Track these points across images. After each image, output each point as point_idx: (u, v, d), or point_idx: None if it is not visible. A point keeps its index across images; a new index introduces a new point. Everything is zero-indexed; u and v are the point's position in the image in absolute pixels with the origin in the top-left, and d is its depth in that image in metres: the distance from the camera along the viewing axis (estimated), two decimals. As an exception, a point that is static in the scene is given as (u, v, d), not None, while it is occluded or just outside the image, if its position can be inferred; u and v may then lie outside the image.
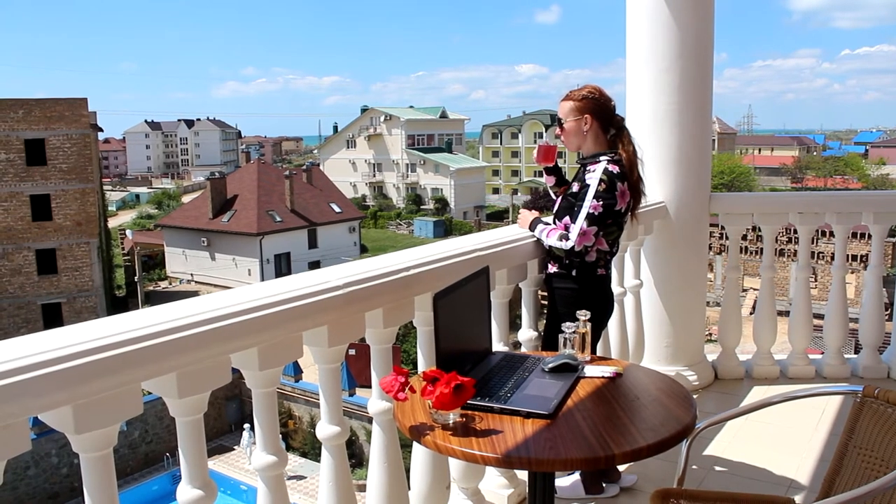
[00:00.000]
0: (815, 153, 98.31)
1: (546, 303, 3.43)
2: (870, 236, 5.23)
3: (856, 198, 5.62)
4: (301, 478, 20.17)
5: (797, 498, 2.67)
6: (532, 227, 3.27)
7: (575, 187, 3.20)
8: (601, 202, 3.11)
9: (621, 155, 3.20)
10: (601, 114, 3.22)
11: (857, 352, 5.46)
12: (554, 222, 3.27)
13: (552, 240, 3.17)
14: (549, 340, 3.28)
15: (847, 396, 2.42)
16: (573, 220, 3.14)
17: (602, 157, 3.19)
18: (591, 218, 3.10)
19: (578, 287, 3.26)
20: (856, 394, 2.32)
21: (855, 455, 2.28)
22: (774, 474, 3.03)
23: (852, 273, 31.03)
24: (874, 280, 5.11)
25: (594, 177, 3.13)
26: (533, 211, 3.37)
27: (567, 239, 3.13)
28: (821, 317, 5.42)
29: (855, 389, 2.33)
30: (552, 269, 3.30)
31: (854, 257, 31.71)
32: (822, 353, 5.25)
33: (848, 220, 4.97)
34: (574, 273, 3.25)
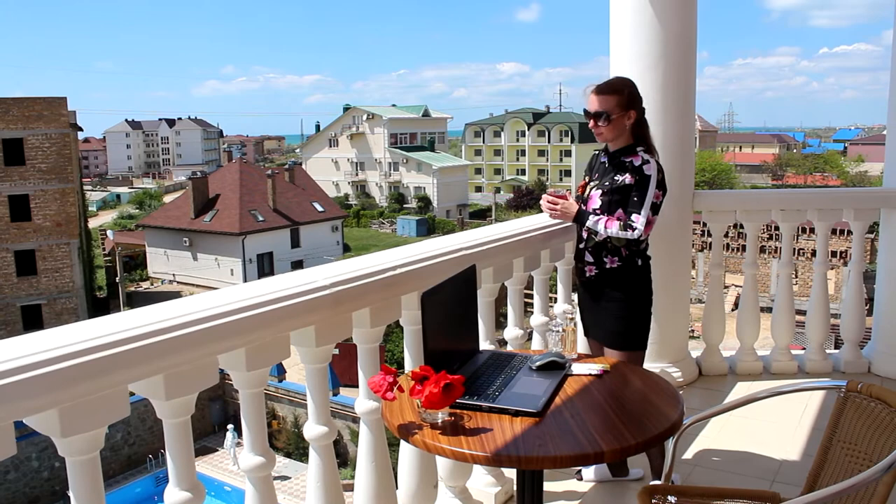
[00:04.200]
0: (795, 150, 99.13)
1: (572, 298, 3.49)
2: (849, 233, 5.28)
3: (837, 195, 5.69)
4: (285, 478, 20.11)
5: (782, 492, 2.70)
6: (580, 218, 3.18)
7: (627, 179, 3.13)
8: (661, 191, 3.16)
9: (652, 147, 3.24)
10: (641, 109, 3.22)
11: (837, 347, 5.51)
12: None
13: (613, 230, 3.11)
14: (637, 338, 3.31)
15: (830, 391, 2.44)
16: (636, 210, 3.10)
17: (639, 149, 3.19)
18: (654, 207, 3.12)
19: (644, 277, 3.31)
20: (839, 389, 2.34)
21: (839, 449, 2.30)
22: (759, 469, 3.06)
23: (832, 269, 31.34)
24: (855, 276, 5.16)
25: (652, 167, 3.13)
26: (573, 202, 3.25)
27: (632, 228, 3.09)
28: (803, 313, 5.46)
29: (839, 384, 2.35)
30: (612, 264, 3.24)
31: (834, 253, 31.99)
32: (804, 348, 5.30)
33: (829, 216, 5.01)
34: (639, 263, 3.28)
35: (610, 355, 3.19)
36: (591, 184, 3.28)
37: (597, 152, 3.43)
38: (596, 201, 3.21)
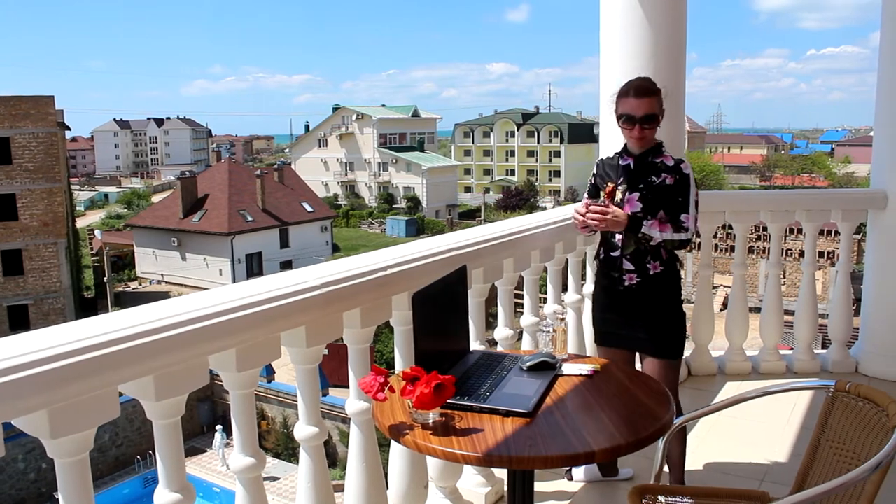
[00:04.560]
0: (783, 151, 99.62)
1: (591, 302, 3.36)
2: (836, 233, 5.32)
3: (825, 196, 5.72)
4: (274, 479, 20.06)
5: (771, 491, 2.71)
6: (635, 225, 3.03)
7: (668, 179, 3.05)
8: (697, 189, 3.11)
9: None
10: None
11: (825, 347, 5.55)
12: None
13: (668, 234, 3.03)
14: (677, 344, 3.22)
15: (818, 391, 2.46)
16: (683, 210, 3.03)
17: (664, 149, 3.14)
18: (696, 205, 3.08)
19: (680, 279, 3.24)
20: (828, 388, 2.36)
21: (827, 448, 2.32)
22: (749, 468, 3.08)
23: (820, 269, 31.50)
24: (843, 276, 5.19)
25: (688, 166, 3.08)
26: (614, 207, 3.04)
27: (685, 229, 3.03)
28: (791, 313, 5.49)
29: (827, 384, 2.37)
30: (655, 270, 3.12)
31: (821, 254, 32.17)
32: (792, 348, 5.32)
33: (817, 217, 5.05)
34: (677, 266, 3.21)
35: (652, 366, 3.16)
36: (620, 188, 3.11)
37: (608, 157, 3.29)
38: (635, 204, 3.07)
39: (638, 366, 3.24)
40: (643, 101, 3.02)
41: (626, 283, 3.15)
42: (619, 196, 3.09)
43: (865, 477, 1.88)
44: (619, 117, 3.08)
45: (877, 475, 1.89)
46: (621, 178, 3.13)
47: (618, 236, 3.13)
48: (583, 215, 3.05)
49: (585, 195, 3.28)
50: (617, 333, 3.24)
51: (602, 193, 3.14)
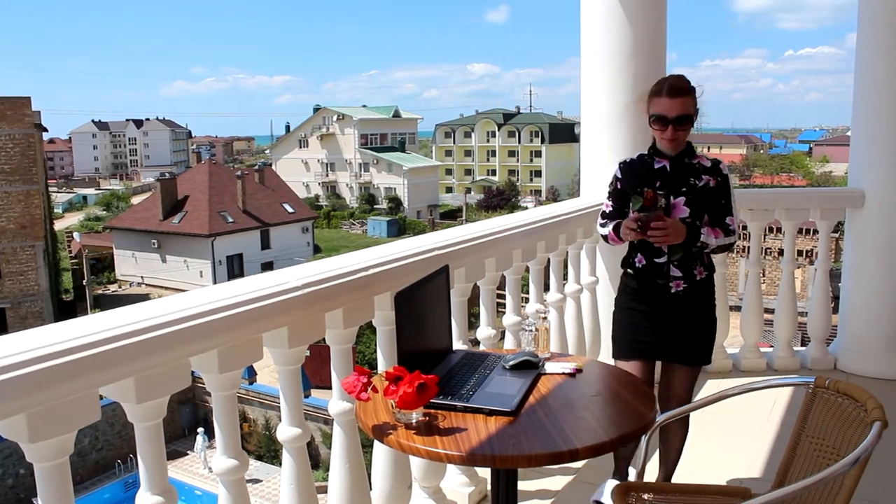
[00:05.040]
0: (762, 151, 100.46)
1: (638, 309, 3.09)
2: (815, 232, 5.37)
3: (804, 195, 5.78)
4: (257, 481, 19.96)
5: (752, 487, 2.73)
6: (693, 236, 2.89)
7: (711, 182, 2.94)
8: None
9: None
10: None
11: (804, 344, 5.60)
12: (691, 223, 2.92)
13: (722, 239, 2.94)
14: (709, 351, 3.11)
15: (798, 387, 2.48)
16: (728, 213, 2.96)
17: (697, 149, 3.03)
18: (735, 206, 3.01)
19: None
20: (808, 385, 2.38)
21: (807, 444, 2.34)
22: (730, 465, 3.10)
23: (799, 268, 31.78)
24: (821, 274, 5.24)
25: (726, 167, 3.02)
26: (671, 220, 2.87)
27: (733, 232, 2.96)
28: (771, 311, 5.54)
29: (807, 381, 2.39)
30: (700, 275, 3.03)
31: (800, 252, 32.46)
32: (772, 346, 5.37)
33: (796, 216, 5.09)
34: (714, 269, 3.14)
35: (683, 374, 3.08)
36: (661, 192, 2.91)
37: (632, 160, 3.09)
38: (682, 210, 2.93)
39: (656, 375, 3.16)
40: (676, 100, 2.87)
41: (673, 290, 2.99)
42: (662, 202, 2.89)
43: (845, 471, 1.89)
44: (650, 117, 2.93)
45: (856, 469, 1.90)
46: (658, 183, 2.94)
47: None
48: (639, 230, 2.84)
49: (609, 201, 3.11)
50: (648, 342, 3.04)
51: (634, 201, 2.96)
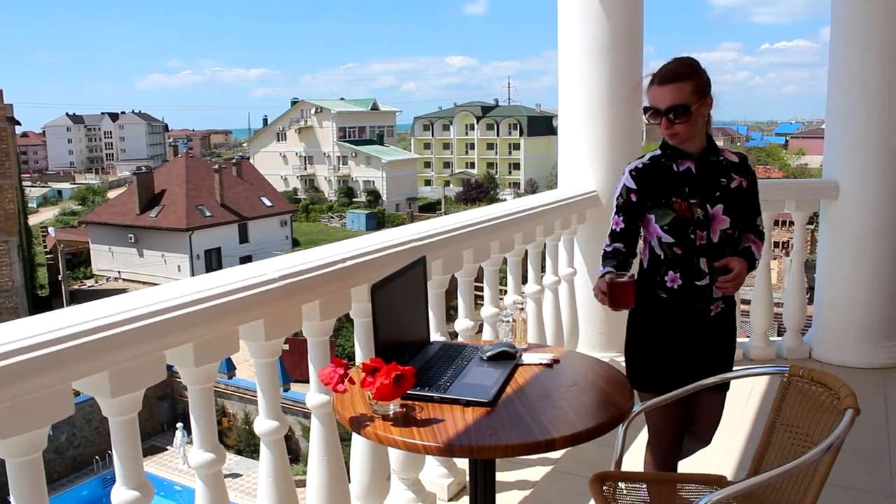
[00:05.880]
0: (738, 143, 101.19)
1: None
2: (790, 223, 5.42)
3: (780, 186, 5.83)
4: (237, 476, 19.88)
5: (728, 474, 2.75)
6: (752, 265, 2.58)
7: (743, 183, 2.57)
8: None
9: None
10: (710, 91, 2.53)
11: (780, 334, 5.66)
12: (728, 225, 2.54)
13: (763, 247, 2.68)
14: (727, 363, 2.67)
15: (773, 377, 2.50)
16: (758, 213, 2.65)
17: (727, 149, 2.63)
18: None
19: None
20: (783, 374, 2.41)
21: (782, 432, 2.36)
22: (706, 453, 3.11)
23: (775, 259, 32.10)
24: (797, 266, 5.30)
25: (752, 161, 2.67)
26: (734, 259, 2.51)
27: (764, 235, 2.70)
28: (747, 302, 5.59)
29: (782, 370, 2.42)
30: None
31: (776, 244, 32.80)
32: (748, 336, 5.42)
33: (772, 207, 5.13)
34: None
35: (718, 399, 2.70)
36: (693, 200, 2.50)
37: (646, 163, 2.59)
38: (722, 220, 2.52)
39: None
40: (667, 88, 2.45)
41: (713, 313, 2.58)
42: (698, 213, 2.50)
43: (818, 458, 1.92)
44: (644, 111, 2.55)
45: (829, 456, 1.93)
46: (686, 189, 2.52)
47: (702, 261, 2.52)
48: (725, 283, 2.49)
49: (618, 218, 2.62)
50: (685, 373, 2.56)
51: (660, 216, 2.53)
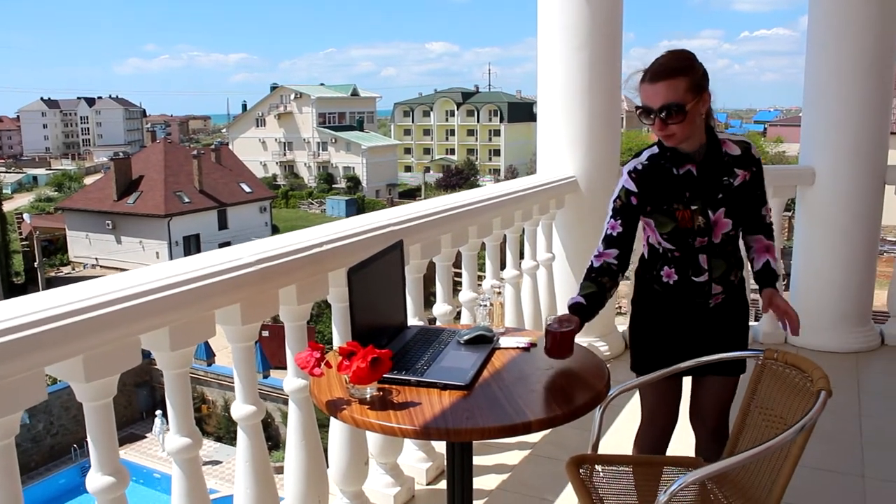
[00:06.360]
0: (717, 131, 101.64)
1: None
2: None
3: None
4: (217, 462, 19.85)
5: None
6: (776, 280, 2.55)
7: (748, 176, 2.45)
8: None
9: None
10: (708, 85, 2.36)
11: (757, 319, 5.71)
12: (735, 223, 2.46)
13: (774, 255, 2.57)
14: (736, 363, 2.57)
15: (749, 360, 2.53)
16: (764, 203, 2.55)
17: (719, 135, 2.46)
18: None
19: None
20: (758, 357, 2.44)
21: (757, 414, 2.39)
22: (682, 436, 3.13)
23: (752, 245, 32.35)
24: (773, 250, 5.35)
25: (757, 150, 2.49)
26: (779, 295, 2.50)
27: (772, 226, 2.60)
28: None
29: (757, 353, 2.44)
30: (737, 279, 2.57)
31: (754, 230, 33.00)
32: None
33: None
34: (744, 267, 2.65)
35: (724, 385, 2.61)
36: (695, 207, 2.40)
37: (644, 164, 2.45)
38: (725, 224, 2.43)
39: (685, 388, 2.71)
40: (659, 85, 2.27)
41: (713, 304, 2.53)
42: (699, 220, 2.41)
43: (791, 439, 1.94)
44: (635, 110, 2.35)
45: (801, 437, 1.96)
46: (687, 194, 2.40)
47: (702, 258, 2.46)
48: (794, 328, 2.43)
49: (615, 221, 2.49)
50: (683, 358, 2.52)
51: (661, 224, 2.45)
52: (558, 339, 2.20)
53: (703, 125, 2.37)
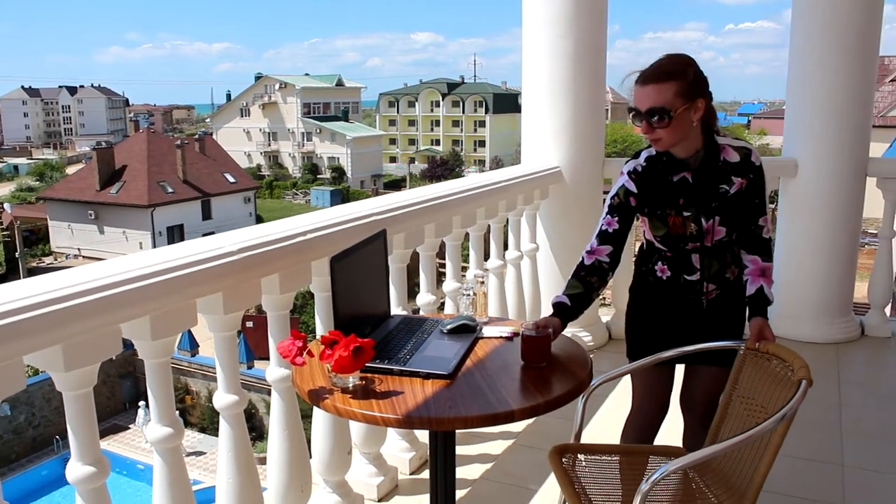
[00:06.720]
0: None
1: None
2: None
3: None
4: (200, 454, 19.78)
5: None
6: (767, 307, 2.48)
7: (745, 185, 2.39)
8: None
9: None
10: (709, 94, 2.35)
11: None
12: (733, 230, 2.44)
13: (769, 279, 2.48)
14: (728, 355, 2.52)
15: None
16: (761, 213, 2.45)
17: (720, 140, 2.40)
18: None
19: None
20: (739, 346, 2.45)
21: (738, 404, 2.41)
22: (665, 425, 3.15)
23: (735, 237, 32.53)
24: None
25: (757, 156, 2.42)
26: (762, 323, 2.46)
27: (770, 241, 2.51)
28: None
29: (738, 343, 2.46)
30: (733, 275, 2.52)
31: (737, 222, 33.21)
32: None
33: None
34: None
35: (713, 375, 2.56)
36: (688, 213, 2.40)
37: (642, 166, 2.45)
38: (719, 231, 2.41)
39: (677, 377, 2.74)
40: (647, 88, 2.27)
41: (706, 301, 2.54)
42: (692, 228, 2.41)
43: (772, 428, 1.95)
44: (628, 112, 2.37)
45: (782, 426, 1.97)
46: (681, 200, 2.40)
47: (694, 257, 2.47)
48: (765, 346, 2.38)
49: (610, 218, 2.50)
50: (672, 345, 2.55)
51: (655, 227, 2.46)
52: (533, 345, 2.17)
53: (700, 131, 2.35)
